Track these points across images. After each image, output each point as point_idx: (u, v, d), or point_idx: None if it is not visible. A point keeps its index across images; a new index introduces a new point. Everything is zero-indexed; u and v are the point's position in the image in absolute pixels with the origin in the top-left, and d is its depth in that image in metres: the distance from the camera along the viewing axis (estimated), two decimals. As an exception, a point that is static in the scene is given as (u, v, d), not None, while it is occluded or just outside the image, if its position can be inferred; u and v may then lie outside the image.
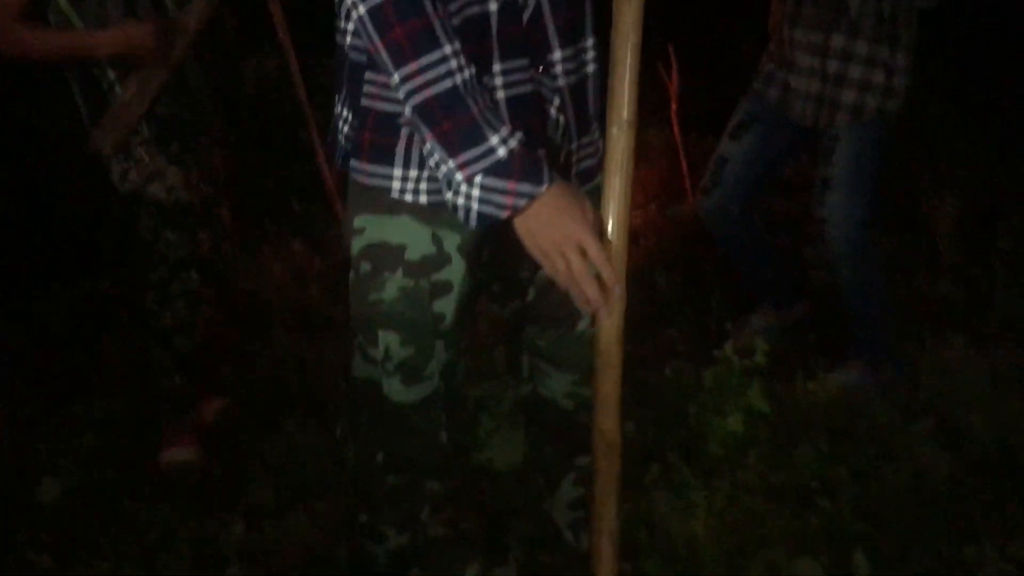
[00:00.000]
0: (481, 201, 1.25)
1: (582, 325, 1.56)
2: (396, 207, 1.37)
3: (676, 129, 3.85)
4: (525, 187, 1.23)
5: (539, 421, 1.73)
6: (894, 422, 2.33)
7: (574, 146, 1.45)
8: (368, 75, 1.34)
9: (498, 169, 1.22)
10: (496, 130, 1.22)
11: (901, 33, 2.35)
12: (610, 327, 1.32)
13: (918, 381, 2.51)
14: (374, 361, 1.48)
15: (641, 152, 4.19)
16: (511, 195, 1.23)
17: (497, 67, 1.32)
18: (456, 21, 1.25)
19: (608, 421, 1.43)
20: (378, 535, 1.60)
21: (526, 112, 1.34)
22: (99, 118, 2.31)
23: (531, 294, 1.56)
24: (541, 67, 1.36)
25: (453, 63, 1.20)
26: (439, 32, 1.19)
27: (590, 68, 1.45)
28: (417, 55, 1.19)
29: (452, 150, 1.22)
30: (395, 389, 1.47)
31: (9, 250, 3.31)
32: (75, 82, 2.33)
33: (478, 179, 1.23)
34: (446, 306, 1.43)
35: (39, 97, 3.72)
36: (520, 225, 1.27)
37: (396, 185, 1.36)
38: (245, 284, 3.24)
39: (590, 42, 1.44)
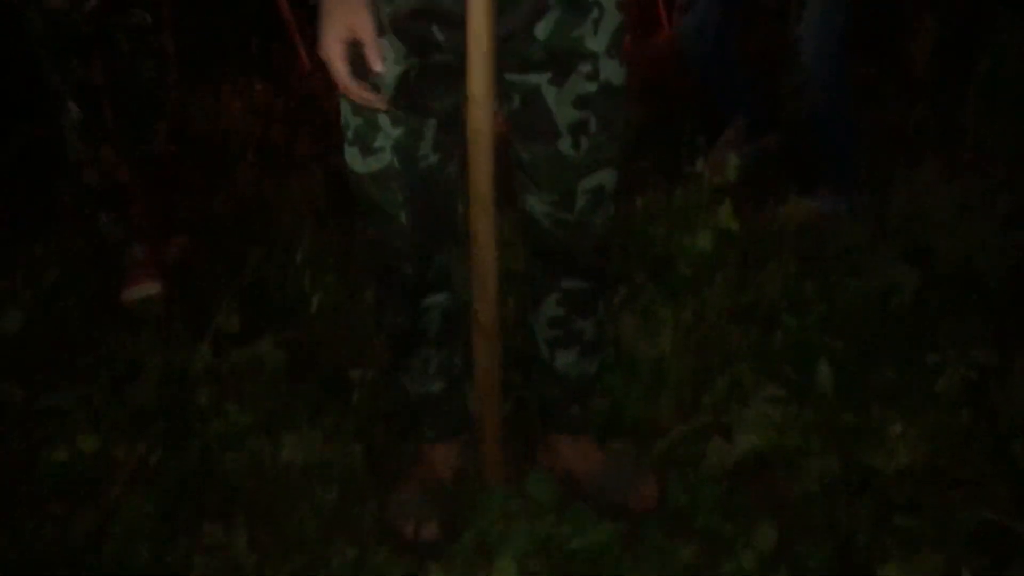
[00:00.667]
0: None
1: (563, 145, 1.52)
2: None
3: None
4: None
5: (527, 237, 1.72)
6: (862, 243, 2.33)
7: None
8: None
9: None
10: None
11: None
12: (476, 116, 1.31)
13: (888, 205, 2.50)
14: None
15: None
16: None
17: None
18: None
19: (484, 304, 1.44)
20: (380, 312, 1.70)
21: None
22: None
23: (516, 100, 1.51)
24: None
25: None
26: None
27: None
28: None
29: None
30: (354, 158, 1.52)
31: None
32: None
33: None
34: (380, 79, 1.42)
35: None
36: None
37: None
38: (204, 122, 3.15)
39: None
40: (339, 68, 1.37)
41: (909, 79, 3.10)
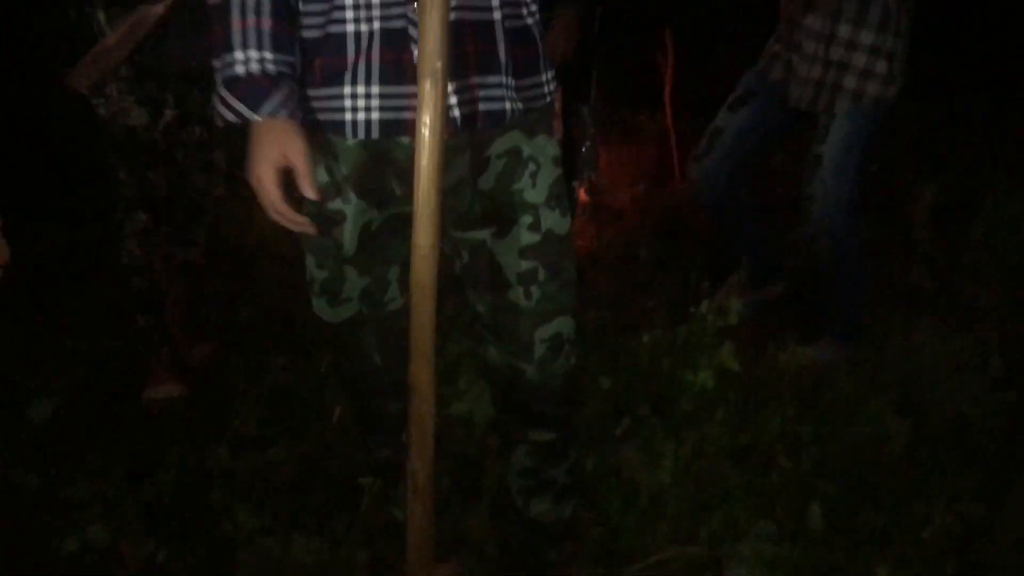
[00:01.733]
0: (219, 103, 1.39)
1: (514, 295, 1.55)
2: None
3: (668, 111, 3.95)
4: (240, 108, 1.36)
5: (493, 386, 1.74)
6: (859, 393, 2.43)
7: (450, 87, 1.40)
8: None
9: (229, 83, 1.36)
10: (247, 49, 1.34)
11: (902, 21, 2.42)
12: (420, 268, 1.31)
13: (884, 359, 2.61)
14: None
15: (633, 133, 4.33)
16: (230, 109, 1.37)
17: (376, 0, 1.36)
18: None
19: (422, 461, 1.40)
20: (366, 448, 1.73)
21: (396, 47, 1.37)
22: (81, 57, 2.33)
23: (465, 256, 1.57)
24: (417, 2, 1.32)
25: (239, 57, 1.35)
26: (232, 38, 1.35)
27: (479, 15, 1.42)
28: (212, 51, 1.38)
29: (213, 52, 1.38)
30: (323, 308, 1.59)
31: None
32: (71, 20, 2.36)
33: (219, 85, 1.37)
34: (343, 234, 1.50)
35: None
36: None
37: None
38: (236, 233, 3.31)
39: None
40: (269, 192, 1.38)
41: (908, 240, 3.26)
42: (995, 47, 4.79)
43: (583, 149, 3.43)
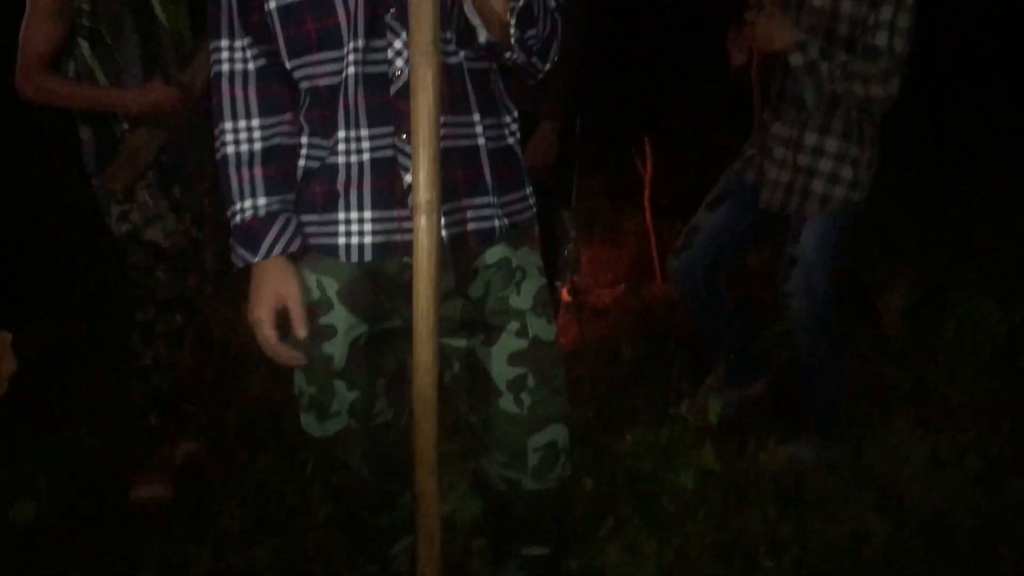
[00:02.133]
0: (231, 250, 1.52)
1: (505, 403, 1.57)
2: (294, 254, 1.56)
3: (648, 214, 4.06)
4: (243, 253, 1.50)
5: (486, 500, 1.75)
6: (838, 491, 2.46)
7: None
8: None
9: (234, 230, 1.51)
10: (243, 199, 1.49)
11: (865, 131, 2.54)
12: (422, 383, 1.36)
13: (862, 456, 2.65)
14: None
15: (614, 235, 4.44)
16: (237, 255, 1.51)
17: (365, 132, 1.45)
18: (312, 84, 1.46)
19: (431, 566, 1.46)
20: (353, 561, 1.72)
21: (386, 175, 1.46)
22: (108, 161, 2.43)
23: (455, 366, 1.61)
24: (404, 135, 1.43)
25: (229, 137, 1.49)
26: (236, 107, 1.49)
27: (465, 142, 1.49)
28: (216, 122, 1.51)
29: (224, 203, 1.53)
30: (311, 423, 1.62)
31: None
32: (87, 126, 2.45)
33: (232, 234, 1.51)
34: (333, 348, 1.54)
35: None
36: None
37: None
38: (220, 326, 3.35)
39: (475, 118, 1.49)
40: (267, 333, 1.49)
41: (881, 338, 3.33)
42: (963, 150, 4.99)
43: (565, 251, 3.52)
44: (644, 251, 4.13)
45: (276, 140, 1.50)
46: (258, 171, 1.49)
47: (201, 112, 2.46)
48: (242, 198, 1.49)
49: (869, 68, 2.35)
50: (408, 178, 1.44)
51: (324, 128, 1.47)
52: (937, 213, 4.40)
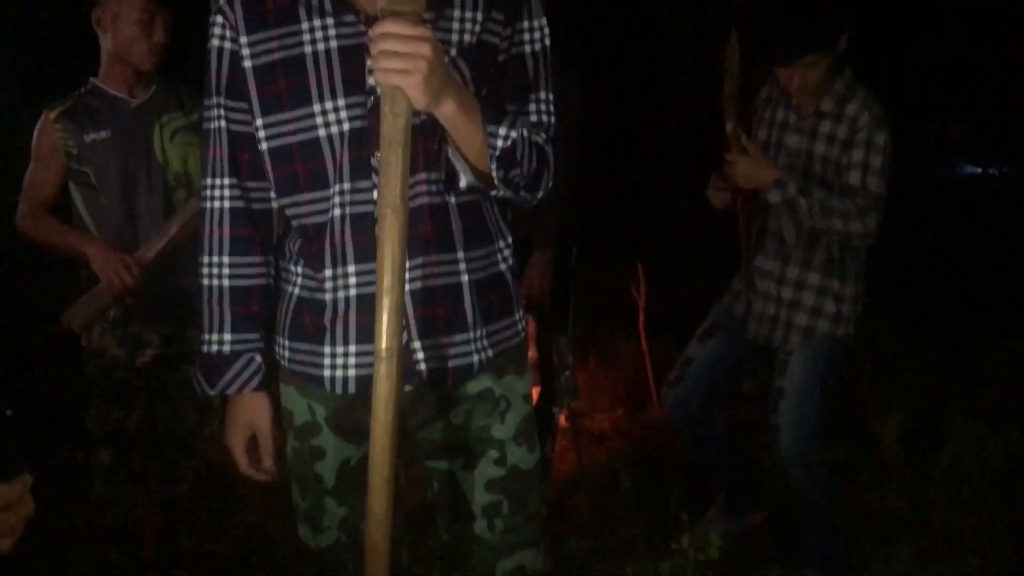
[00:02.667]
0: (193, 377, 1.60)
1: (478, 527, 1.58)
2: (287, 377, 1.61)
3: (643, 339, 4.11)
4: (202, 384, 1.58)
5: None
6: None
7: (415, 345, 1.50)
8: None
9: (200, 360, 1.58)
10: (211, 332, 1.56)
11: (848, 266, 2.60)
12: (375, 535, 1.37)
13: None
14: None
15: (609, 359, 4.48)
16: (197, 383, 1.58)
17: (352, 268, 1.49)
18: (298, 221, 1.52)
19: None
20: None
21: (370, 310, 1.45)
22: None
23: (435, 485, 1.63)
24: None
25: (205, 270, 1.57)
26: (212, 242, 1.56)
27: (447, 279, 1.51)
28: (198, 253, 1.59)
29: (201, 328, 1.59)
30: (306, 535, 1.64)
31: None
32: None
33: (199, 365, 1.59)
34: (323, 469, 1.58)
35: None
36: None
37: (277, 350, 1.61)
38: (215, 457, 3.33)
39: (459, 255, 1.52)
40: (239, 457, 1.58)
41: (880, 465, 3.33)
42: (954, 278, 5.09)
43: (563, 377, 3.54)
44: (640, 375, 4.16)
45: (244, 281, 1.56)
46: (226, 307, 1.56)
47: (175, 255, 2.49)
48: (211, 330, 1.56)
49: (846, 205, 2.42)
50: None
51: (313, 263, 1.52)
52: (929, 336, 4.45)
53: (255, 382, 1.57)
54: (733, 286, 2.83)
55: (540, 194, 1.55)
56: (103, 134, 2.43)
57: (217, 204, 1.55)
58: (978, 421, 3.38)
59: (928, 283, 5.21)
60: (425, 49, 1.26)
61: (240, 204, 1.55)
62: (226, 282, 1.56)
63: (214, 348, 1.56)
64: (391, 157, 1.30)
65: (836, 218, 2.43)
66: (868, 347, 3.98)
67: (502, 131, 1.42)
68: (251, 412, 1.57)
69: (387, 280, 1.32)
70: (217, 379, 1.56)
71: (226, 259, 1.56)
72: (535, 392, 3.27)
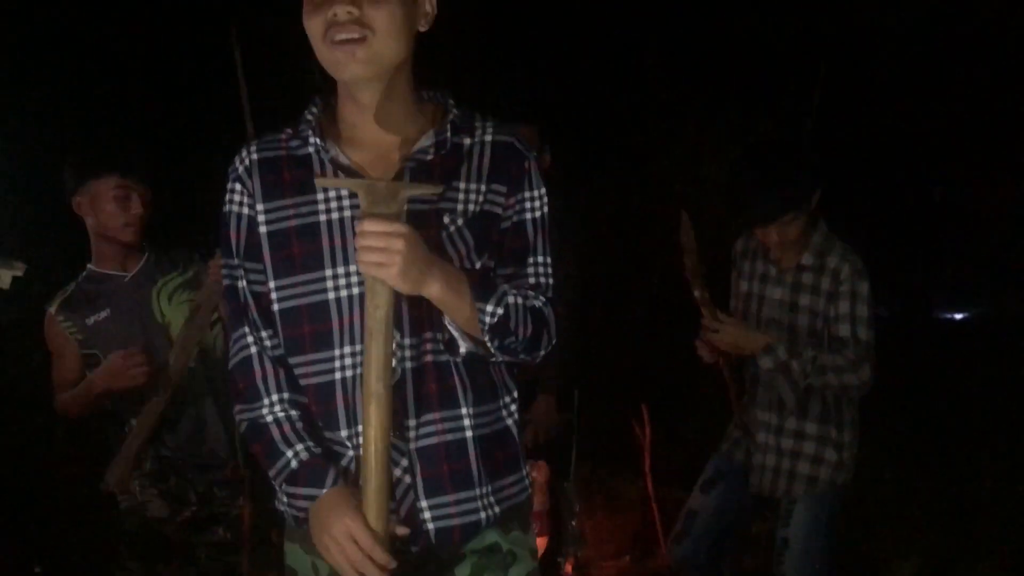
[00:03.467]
0: (288, 506, 1.55)
1: None
2: (291, 535, 1.60)
3: (649, 482, 4.05)
4: (311, 491, 1.50)
5: None
6: None
7: (421, 504, 1.53)
8: None
9: (291, 479, 1.51)
10: (292, 445, 1.51)
11: (844, 413, 2.60)
12: None
13: None
14: None
15: (615, 504, 4.40)
16: (302, 499, 1.51)
17: (362, 428, 1.47)
18: (307, 382, 1.54)
19: None
20: None
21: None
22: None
23: None
24: (397, 431, 1.50)
25: (266, 410, 1.54)
26: (272, 383, 1.55)
27: (453, 436, 1.54)
28: (251, 400, 1.56)
29: (264, 464, 1.55)
30: None
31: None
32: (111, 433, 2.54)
33: (283, 487, 1.53)
34: None
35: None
36: (310, 526, 1.51)
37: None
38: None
39: (463, 411, 1.55)
40: (348, 546, 1.44)
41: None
42: (961, 414, 5.06)
43: (569, 526, 3.48)
44: (647, 520, 4.08)
45: (300, 410, 1.55)
46: (299, 425, 1.53)
47: (213, 392, 2.55)
48: (288, 445, 1.52)
49: (837, 360, 2.45)
50: (397, 472, 1.52)
51: (327, 422, 1.55)
52: (937, 482, 4.39)
53: (348, 477, 1.53)
54: (729, 434, 2.82)
55: (541, 353, 1.60)
56: (103, 314, 2.49)
57: (257, 350, 1.57)
58: (989, 563, 3.31)
59: (933, 427, 5.17)
60: (399, 244, 1.36)
61: (280, 353, 1.57)
62: (294, 412, 1.55)
63: (304, 456, 1.52)
64: (371, 347, 1.40)
65: (830, 374, 2.45)
66: (876, 493, 3.93)
67: (489, 308, 1.48)
68: (345, 509, 1.47)
69: (372, 464, 1.41)
70: (325, 476, 1.50)
71: (286, 395, 1.55)
72: (542, 542, 3.21)
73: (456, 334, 1.52)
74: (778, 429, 2.61)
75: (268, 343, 1.57)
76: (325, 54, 1.47)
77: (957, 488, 4.30)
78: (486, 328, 1.48)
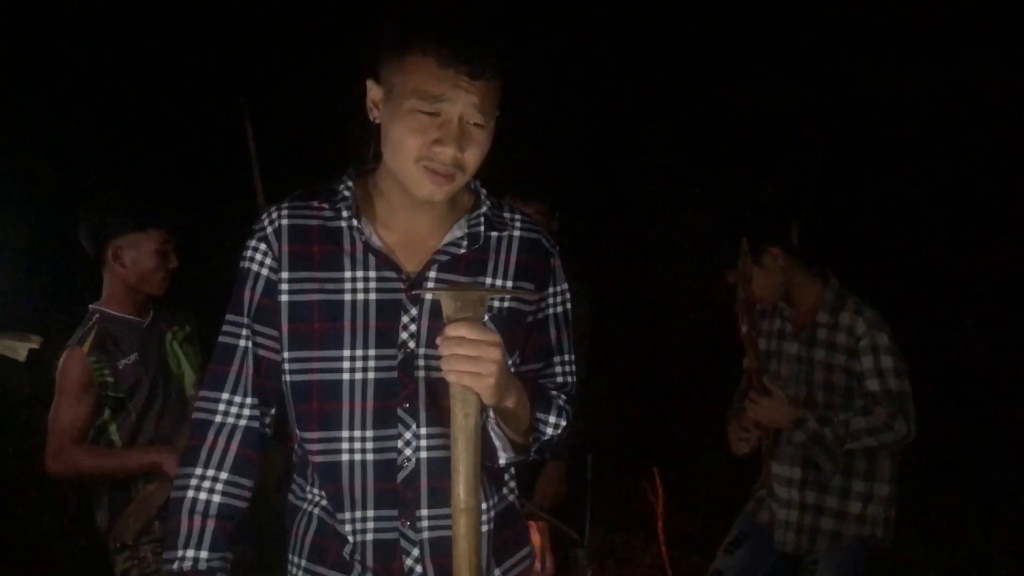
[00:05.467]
0: None
1: None
2: None
3: (662, 546, 4.02)
4: None
5: None
6: None
7: None
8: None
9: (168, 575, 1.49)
10: (187, 548, 1.48)
11: (877, 466, 2.56)
12: None
13: None
14: None
15: (628, 569, 4.36)
16: None
17: (371, 513, 1.50)
18: (314, 459, 1.52)
19: None
20: None
21: (388, 555, 1.50)
22: (120, 510, 2.48)
23: None
24: (408, 521, 1.50)
25: (193, 482, 1.51)
26: (213, 455, 1.52)
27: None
28: (183, 465, 1.55)
29: (165, 544, 1.52)
30: None
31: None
32: (105, 488, 2.51)
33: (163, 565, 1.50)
34: None
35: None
36: None
37: (291, 570, 1.58)
38: None
39: (484, 504, 1.52)
40: None
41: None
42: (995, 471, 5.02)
43: (581, 590, 3.45)
44: (661, 585, 4.04)
45: (235, 501, 1.53)
46: (211, 523, 1.50)
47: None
48: (186, 547, 1.49)
49: (871, 420, 2.41)
50: (409, 561, 1.50)
51: (331, 501, 1.53)
52: (977, 535, 4.35)
53: None
54: (754, 493, 2.81)
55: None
56: (132, 357, 2.51)
57: (231, 420, 1.53)
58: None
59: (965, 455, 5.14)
60: (496, 354, 1.32)
61: (255, 425, 1.55)
62: (217, 498, 1.51)
63: (187, 564, 1.49)
64: (460, 457, 1.34)
65: (866, 437, 2.42)
66: (914, 538, 3.88)
67: (552, 419, 1.52)
68: None
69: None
70: None
71: (224, 475, 1.52)
72: (554, 606, 3.18)
73: (500, 444, 1.50)
74: (801, 483, 2.60)
75: (245, 412, 1.54)
76: (411, 172, 1.45)
77: (995, 543, 4.26)
78: (544, 439, 1.50)
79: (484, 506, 1.53)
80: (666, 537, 4.04)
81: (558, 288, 1.62)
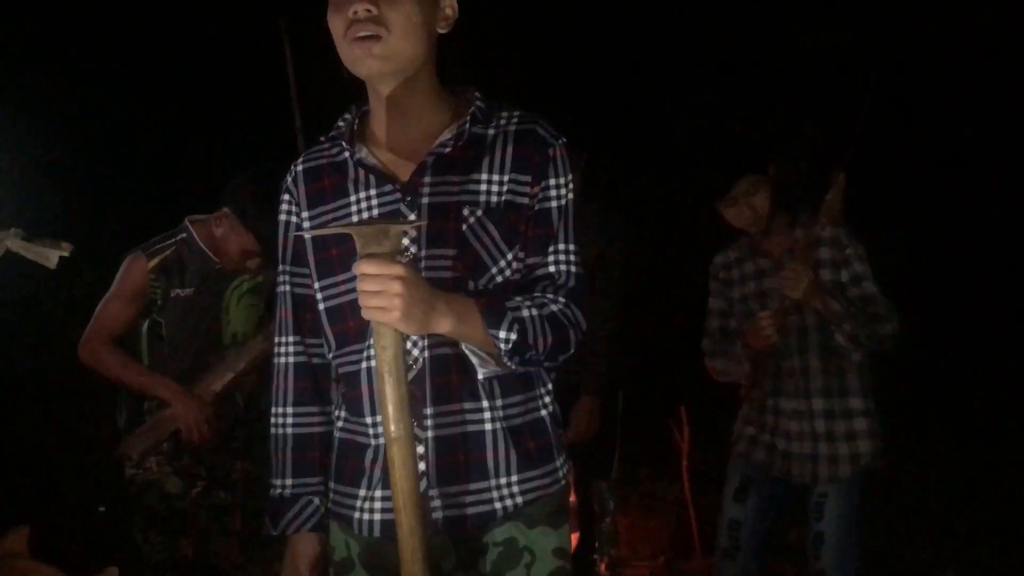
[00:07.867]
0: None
1: None
2: (332, 515, 1.67)
3: (687, 484, 4.09)
4: (268, 523, 1.67)
5: None
6: None
7: (434, 492, 1.56)
8: None
9: (269, 501, 1.67)
10: (277, 476, 1.66)
11: (864, 383, 2.62)
12: None
13: None
14: None
15: (651, 505, 4.44)
16: (265, 523, 1.68)
17: (380, 417, 1.55)
18: (341, 370, 1.63)
19: None
20: None
21: None
22: (134, 426, 2.58)
23: None
24: (416, 420, 1.52)
25: (272, 420, 1.67)
26: (279, 394, 1.68)
27: (472, 427, 1.56)
28: (269, 405, 1.69)
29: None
30: None
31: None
32: (122, 392, 2.63)
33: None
34: None
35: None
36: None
37: (327, 491, 1.68)
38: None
39: (485, 404, 1.56)
40: None
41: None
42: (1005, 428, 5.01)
43: (604, 524, 3.52)
44: (683, 522, 4.11)
45: (304, 429, 1.66)
46: (289, 454, 1.66)
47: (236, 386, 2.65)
48: (276, 475, 1.66)
49: (874, 309, 2.52)
50: (422, 465, 1.54)
51: (356, 410, 1.61)
52: (986, 492, 4.36)
53: (310, 524, 1.65)
54: (743, 434, 2.77)
55: (569, 354, 1.59)
56: (188, 291, 2.57)
57: (283, 360, 1.68)
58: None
59: (980, 432, 5.13)
60: (397, 287, 1.35)
61: (303, 359, 1.67)
62: (289, 430, 1.67)
63: (277, 492, 1.66)
64: (385, 388, 1.39)
65: (874, 323, 2.50)
66: (919, 502, 3.92)
67: (502, 334, 1.48)
68: (303, 550, 1.66)
69: (401, 505, 1.41)
70: (279, 520, 1.65)
71: (290, 409, 1.67)
72: (574, 538, 3.26)
73: (474, 360, 1.54)
74: (808, 414, 2.62)
75: (291, 350, 1.66)
76: (345, 51, 1.52)
77: (997, 498, 4.28)
78: (503, 353, 1.50)
79: (487, 403, 1.56)
80: (690, 475, 4.10)
81: (560, 179, 1.60)
